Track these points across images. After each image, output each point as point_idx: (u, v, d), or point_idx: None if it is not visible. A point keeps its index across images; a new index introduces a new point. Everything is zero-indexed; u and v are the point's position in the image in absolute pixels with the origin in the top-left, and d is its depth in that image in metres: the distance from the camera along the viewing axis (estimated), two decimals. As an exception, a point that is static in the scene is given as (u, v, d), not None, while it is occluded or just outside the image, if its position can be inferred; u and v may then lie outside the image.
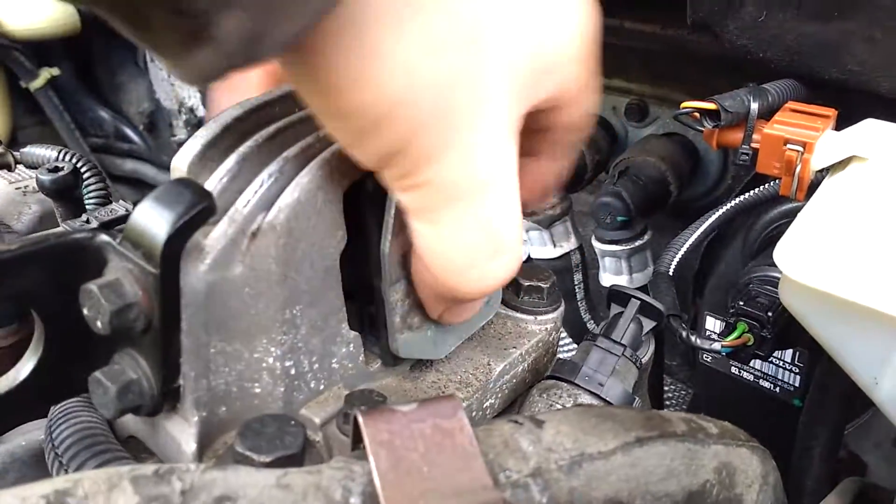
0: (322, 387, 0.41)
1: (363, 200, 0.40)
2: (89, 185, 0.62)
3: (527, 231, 0.97)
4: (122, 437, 0.40)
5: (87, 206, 0.63)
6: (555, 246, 0.97)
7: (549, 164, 0.43)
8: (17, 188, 0.72)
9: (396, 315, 0.42)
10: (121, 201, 0.53)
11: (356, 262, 0.42)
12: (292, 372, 0.39)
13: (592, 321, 1.00)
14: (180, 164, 0.37)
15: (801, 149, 0.55)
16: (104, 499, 0.27)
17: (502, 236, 0.37)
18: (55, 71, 1.55)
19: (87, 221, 0.48)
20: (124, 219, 0.47)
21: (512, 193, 0.37)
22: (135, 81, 1.62)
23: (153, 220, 0.32)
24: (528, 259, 1.02)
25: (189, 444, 0.36)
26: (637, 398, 0.53)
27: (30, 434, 0.42)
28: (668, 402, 1.06)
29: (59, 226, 0.65)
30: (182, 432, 0.36)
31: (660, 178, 0.90)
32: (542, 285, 0.53)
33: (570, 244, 0.97)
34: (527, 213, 0.94)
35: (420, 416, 0.33)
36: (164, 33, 0.26)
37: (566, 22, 0.36)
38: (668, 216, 0.97)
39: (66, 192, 0.60)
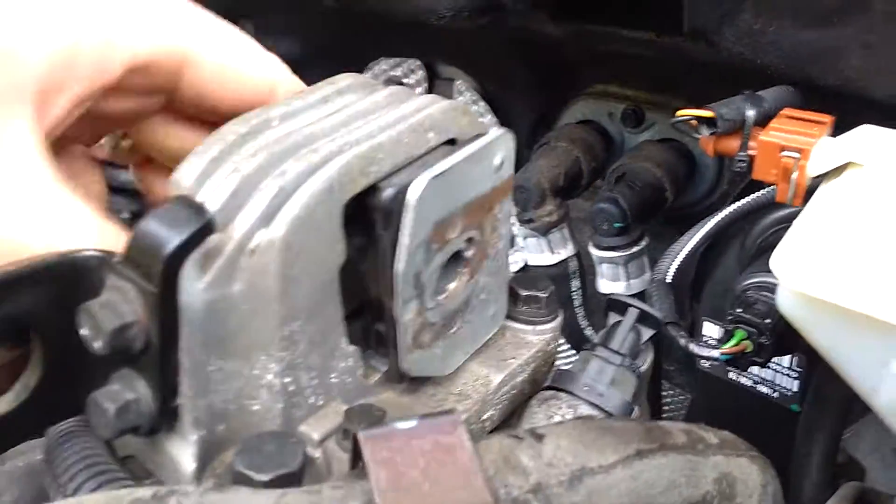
0: (321, 402, 0.41)
1: (375, 218, 0.40)
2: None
3: (524, 238, 0.97)
4: (121, 455, 0.40)
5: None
6: (552, 252, 0.97)
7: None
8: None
9: (408, 335, 0.42)
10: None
11: (365, 279, 0.42)
12: (291, 388, 0.39)
13: (590, 328, 1.00)
14: (181, 179, 0.37)
15: (797, 155, 0.55)
16: (104, 523, 0.26)
17: None
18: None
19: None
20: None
21: None
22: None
23: (153, 239, 0.32)
24: (525, 267, 1.02)
25: (188, 464, 0.36)
26: (636, 407, 0.53)
27: (27, 455, 0.42)
28: (666, 408, 1.06)
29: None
30: (181, 451, 0.36)
31: (656, 184, 0.90)
32: (541, 295, 0.53)
33: (567, 251, 0.97)
34: (524, 221, 0.94)
35: (420, 433, 0.33)
36: None
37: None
38: (664, 222, 0.97)
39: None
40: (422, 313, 0.42)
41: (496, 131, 0.44)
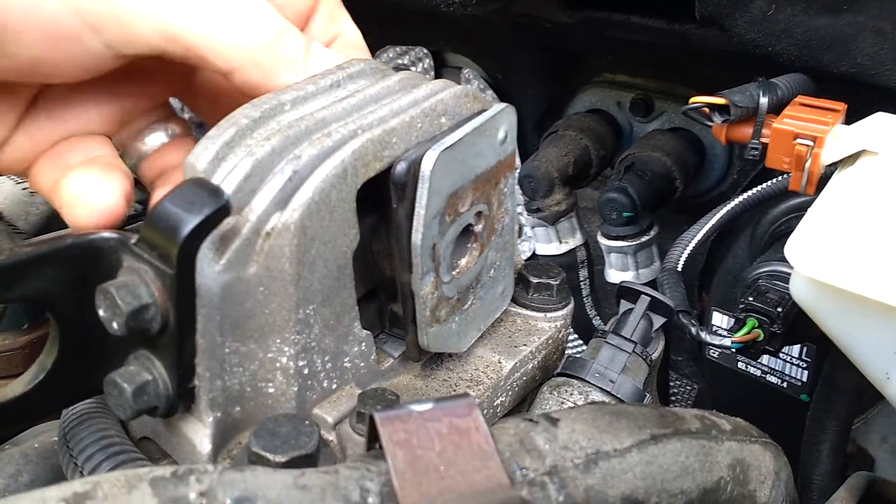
0: (334, 386, 0.41)
1: (392, 194, 0.40)
2: (97, 184, 0.62)
3: (532, 227, 0.97)
4: (136, 437, 0.40)
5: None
6: (560, 242, 0.96)
7: None
8: (23, 188, 0.72)
9: (427, 309, 0.42)
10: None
11: (378, 259, 0.42)
12: (305, 371, 0.39)
13: (598, 317, 1.00)
14: (195, 162, 0.37)
15: (811, 143, 0.55)
16: (124, 501, 0.27)
17: None
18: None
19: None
20: (132, 218, 0.47)
21: None
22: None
23: (169, 220, 0.32)
24: (534, 256, 1.02)
25: (204, 445, 0.36)
26: (648, 395, 0.53)
27: (42, 436, 0.42)
28: (673, 398, 1.06)
29: (66, 226, 0.64)
30: (197, 433, 0.37)
31: (665, 174, 0.89)
32: (552, 282, 0.53)
33: (575, 240, 0.96)
34: (532, 210, 0.94)
35: (436, 416, 0.33)
36: None
37: None
38: (674, 211, 0.97)
39: (73, 192, 0.60)
40: (438, 287, 0.42)
41: (498, 105, 0.44)
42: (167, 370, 0.34)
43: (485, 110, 0.44)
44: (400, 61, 1.14)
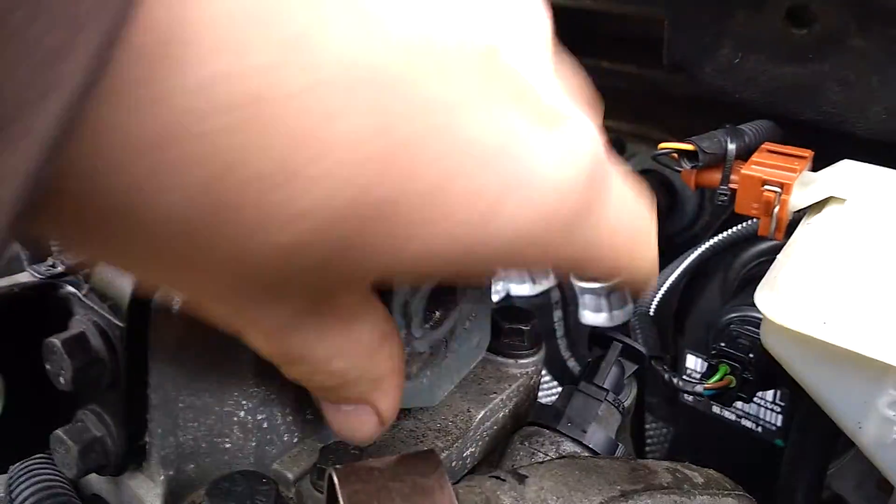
0: (295, 440, 0.40)
1: None
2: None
3: (506, 268, 0.97)
4: (86, 494, 0.38)
5: (52, 249, 0.61)
6: (534, 283, 0.96)
7: None
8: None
9: None
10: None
11: None
12: (265, 425, 0.38)
13: (573, 359, 0.99)
14: None
15: (779, 189, 0.55)
16: (61, 573, 0.25)
17: None
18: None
19: (53, 265, 0.46)
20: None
21: None
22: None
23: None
24: (508, 297, 1.01)
25: (155, 505, 0.35)
26: (620, 444, 0.52)
27: (-13, 492, 0.40)
28: (649, 442, 1.05)
29: (24, 268, 0.63)
30: (148, 492, 0.35)
31: (638, 216, 0.90)
32: (523, 328, 0.52)
33: (549, 281, 0.96)
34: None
35: (398, 474, 0.32)
36: None
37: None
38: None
39: (33, 234, 0.59)
40: (409, 343, 0.41)
41: None
42: (117, 426, 0.33)
43: None
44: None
